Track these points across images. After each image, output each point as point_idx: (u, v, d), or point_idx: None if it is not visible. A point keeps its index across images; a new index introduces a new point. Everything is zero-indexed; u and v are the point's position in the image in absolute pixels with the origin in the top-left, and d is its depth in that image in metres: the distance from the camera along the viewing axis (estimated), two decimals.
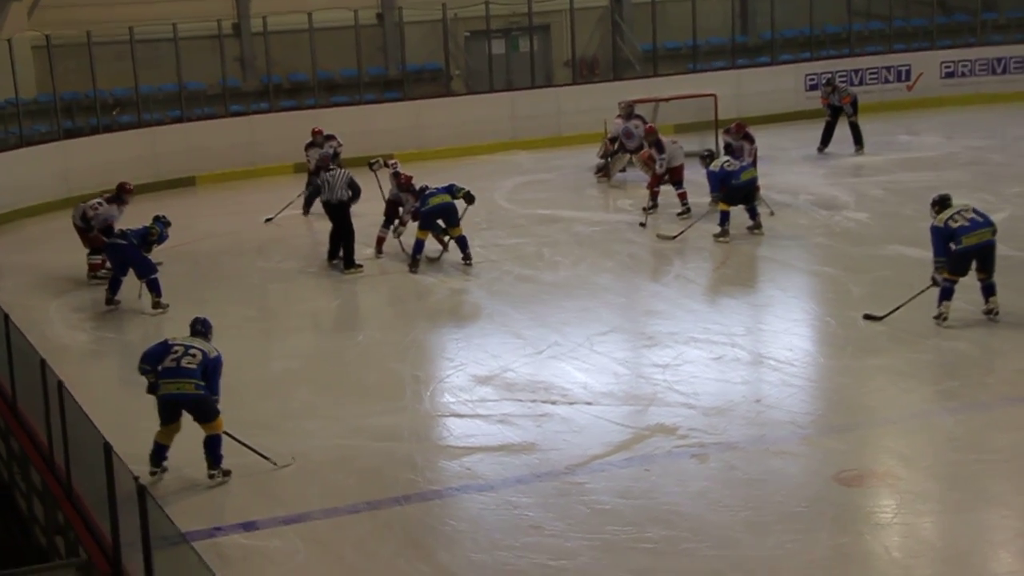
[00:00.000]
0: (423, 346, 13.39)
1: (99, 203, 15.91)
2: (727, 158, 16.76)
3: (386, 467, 9.92)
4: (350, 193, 15.71)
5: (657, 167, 17.53)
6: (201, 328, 10.39)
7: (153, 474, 9.90)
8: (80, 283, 15.87)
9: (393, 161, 17.11)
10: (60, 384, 8.66)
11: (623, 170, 20.08)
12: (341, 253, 15.72)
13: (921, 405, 10.64)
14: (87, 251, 15.95)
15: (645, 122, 19.97)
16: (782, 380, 11.24)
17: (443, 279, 15.18)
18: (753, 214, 16.12)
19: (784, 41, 27.48)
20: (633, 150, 19.62)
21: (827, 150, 21.54)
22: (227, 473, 9.89)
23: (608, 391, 11.23)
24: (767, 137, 23.43)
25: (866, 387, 11.15)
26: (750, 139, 17.96)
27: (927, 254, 14.15)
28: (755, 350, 12.23)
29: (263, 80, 24.66)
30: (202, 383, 9.85)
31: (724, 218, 15.91)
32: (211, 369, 9.96)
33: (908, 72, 26.37)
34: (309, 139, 19.65)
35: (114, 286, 14.86)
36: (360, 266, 15.67)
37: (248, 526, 9.07)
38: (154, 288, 14.64)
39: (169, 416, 9.94)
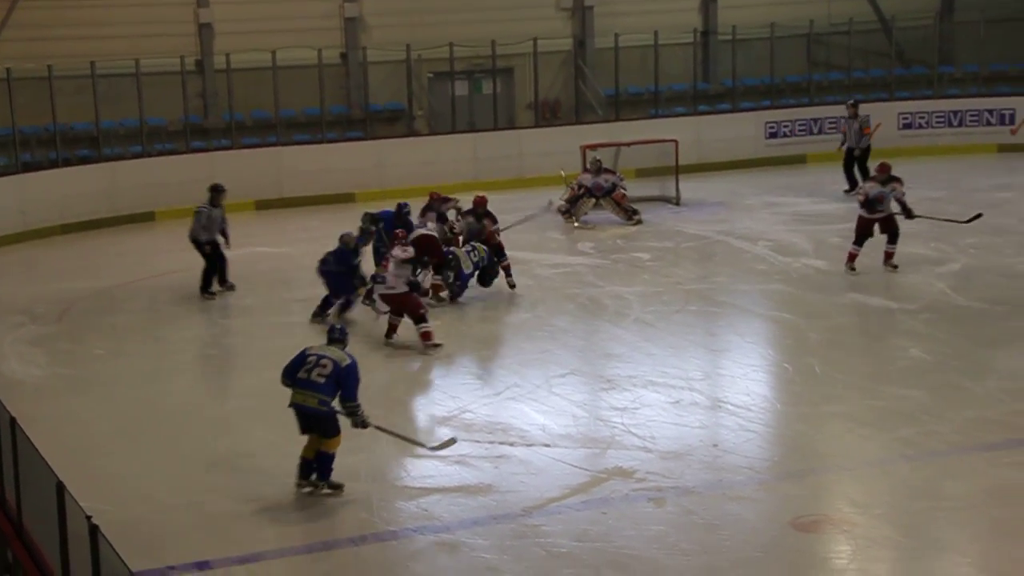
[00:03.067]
0: (381, 386, 13.33)
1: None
2: None
3: (342, 507, 9.87)
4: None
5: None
6: (338, 336, 10.39)
7: (300, 487, 10.03)
8: (36, 317, 15.73)
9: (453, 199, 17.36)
10: (12, 420, 8.56)
11: (585, 214, 20.25)
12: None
13: (876, 452, 10.69)
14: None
15: (615, 173, 20.40)
16: (739, 425, 11.27)
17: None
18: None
19: (745, 89, 27.78)
20: (602, 195, 20.09)
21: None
22: (337, 487, 10.00)
23: (566, 433, 11.22)
24: (727, 183, 23.69)
25: (822, 433, 11.20)
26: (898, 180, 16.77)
27: (885, 302, 14.36)
28: (713, 395, 12.27)
29: (225, 117, 24.64)
30: (327, 399, 9.94)
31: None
32: (343, 377, 9.98)
33: (867, 122, 26.65)
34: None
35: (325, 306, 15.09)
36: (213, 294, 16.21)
37: (202, 565, 8.98)
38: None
39: (303, 427, 10.07)
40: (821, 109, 26.84)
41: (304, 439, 10.13)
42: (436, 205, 17.01)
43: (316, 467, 10.02)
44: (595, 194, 20.22)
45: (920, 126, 26.64)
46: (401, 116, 26.31)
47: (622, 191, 20.28)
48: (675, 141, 22.33)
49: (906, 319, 14.26)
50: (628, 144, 22.67)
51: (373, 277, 14.55)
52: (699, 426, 11.38)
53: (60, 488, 7.36)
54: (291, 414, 10.83)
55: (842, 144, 22.75)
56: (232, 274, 16.91)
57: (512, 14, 26.48)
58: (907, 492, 9.78)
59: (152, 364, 14.28)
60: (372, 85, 25.99)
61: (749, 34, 27.33)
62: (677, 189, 22.00)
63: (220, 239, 16.66)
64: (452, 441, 10.78)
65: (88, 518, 6.84)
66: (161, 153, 23.81)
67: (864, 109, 23.61)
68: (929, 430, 10.92)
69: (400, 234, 14.71)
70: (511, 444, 10.90)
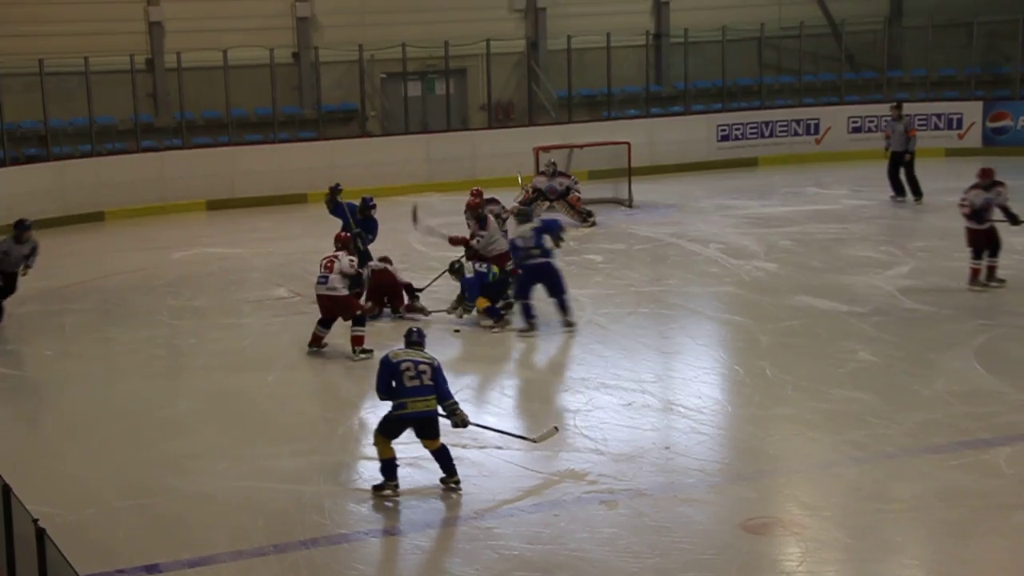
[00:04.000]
0: (334, 388, 13.30)
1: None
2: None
3: (294, 509, 9.81)
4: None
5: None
6: (417, 339, 10.30)
7: (389, 488, 9.94)
8: None
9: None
10: None
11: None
12: None
13: (826, 455, 10.76)
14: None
15: (569, 176, 20.50)
16: (691, 428, 11.31)
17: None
18: None
19: (697, 92, 27.96)
20: (556, 198, 20.15)
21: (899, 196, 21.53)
22: (456, 484, 10.01)
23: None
24: (679, 186, 23.81)
25: (773, 436, 11.27)
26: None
27: (834, 304, 14.45)
28: (665, 397, 12.31)
29: (176, 116, 24.48)
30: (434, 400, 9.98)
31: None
32: (439, 378, 10.01)
33: (817, 126, 26.98)
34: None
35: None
36: None
37: (151, 568, 8.90)
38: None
39: (398, 432, 10.01)
40: (772, 112, 27.08)
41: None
42: (477, 205, 16.44)
43: (443, 465, 9.99)
44: (549, 197, 20.32)
45: (870, 129, 26.89)
46: (354, 116, 26.26)
47: (576, 194, 20.38)
48: (628, 143, 22.43)
49: (855, 322, 14.36)
50: (581, 146, 22.76)
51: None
52: (651, 428, 11.41)
53: (6, 490, 7.27)
54: (246, 415, 10.82)
55: (887, 148, 21.90)
56: (183, 275, 16.77)
57: (465, 15, 26.54)
58: (856, 494, 9.85)
59: (102, 365, 14.17)
60: (324, 85, 25.93)
61: (701, 37, 27.52)
62: (630, 191, 22.09)
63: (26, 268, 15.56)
64: (555, 431, 10.86)
65: (35, 521, 6.76)
66: (111, 152, 23.65)
67: (813, 113, 23.87)
68: (878, 433, 11.00)
69: (343, 236, 14.62)
70: (463, 446, 10.87)
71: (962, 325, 14.05)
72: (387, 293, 15.21)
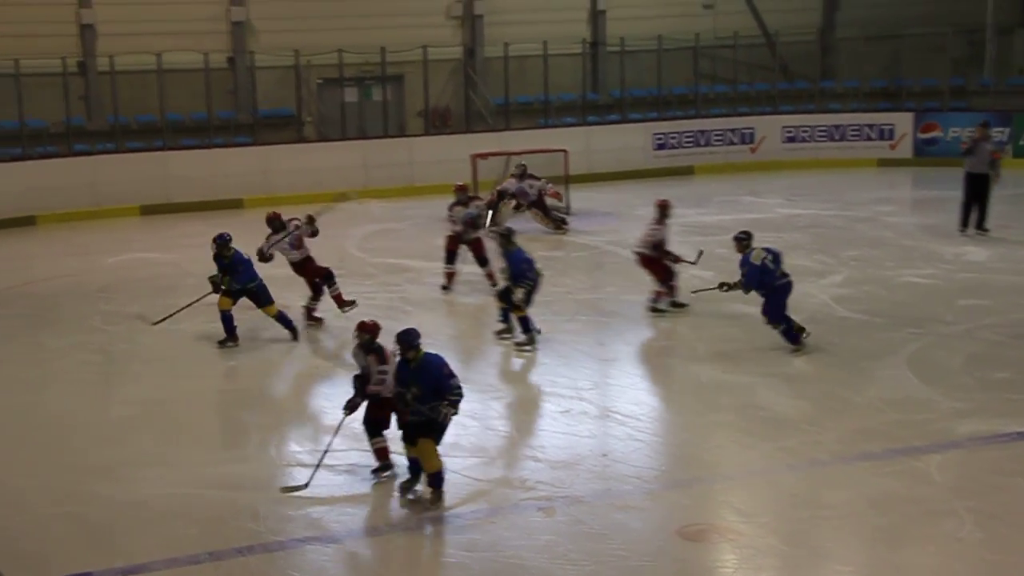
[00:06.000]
0: (269, 394, 13.21)
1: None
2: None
3: (228, 516, 9.73)
4: None
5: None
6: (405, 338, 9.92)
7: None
8: None
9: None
10: None
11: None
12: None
13: (761, 462, 10.85)
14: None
15: (539, 179, 20.51)
16: (628, 435, 11.35)
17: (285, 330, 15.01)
18: None
19: (633, 100, 28.13)
20: (526, 204, 20.37)
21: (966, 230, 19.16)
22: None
23: (455, 443, 11.15)
24: (616, 193, 23.90)
25: (708, 443, 11.33)
26: None
27: None
28: (602, 404, 12.34)
29: (109, 120, 24.23)
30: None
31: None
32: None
33: (752, 135, 27.23)
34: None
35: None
36: None
37: None
38: None
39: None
40: (708, 121, 27.29)
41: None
42: (463, 197, 16.76)
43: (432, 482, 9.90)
44: (520, 201, 20.35)
45: (803, 139, 27.22)
46: (290, 122, 26.14)
47: (554, 189, 20.53)
48: (565, 151, 22.51)
49: None
50: (518, 153, 22.78)
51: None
52: (588, 435, 11.44)
53: None
54: (180, 422, 10.73)
55: (972, 170, 19.13)
56: (116, 280, 16.59)
57: (402, 21, 26.52)
58: (791, 501, 9.94)
59: (31, 371, 13.98)
60: (260, 90, 25.79)
61: (637, 46, 27.69)
62: (567, 198, 22.14)
63: None
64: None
65: None
66: (42, 156, 23.33)
67: (748, 122, 24.04)
68: (812, 440, 11.11)
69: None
70: (400, 453, 10.84)
71: (894, 334, 14.21)
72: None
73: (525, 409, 12.08)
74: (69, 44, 24.45)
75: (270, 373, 13.64)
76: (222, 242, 14.16)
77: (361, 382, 10.31)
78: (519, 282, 13.96)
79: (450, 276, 16.68)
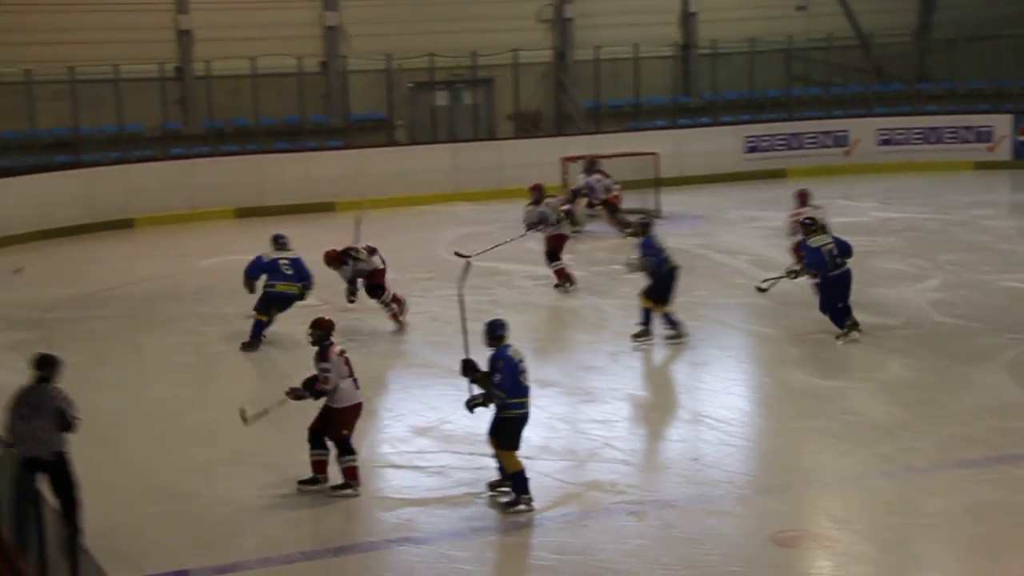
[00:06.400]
0: (366, 396, 13.29)
1: None
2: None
3: (322, 517, 9.83)
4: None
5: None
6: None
7: (524, 503, 9.78)
8: (13, 323, 15.60)
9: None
10: None
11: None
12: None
13: (856, 468, 10.72)
14: None
15: (608, 175, 20.45)
16: (719, 439, 11.28)
17: (382, 329, 15.12)
18: None
19: (725, 103, 27.94)
20: (597, 203, 20.18)
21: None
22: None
23: (546, 446, 11.20)
24: (707, 197, 23.76)
25: (802, 448, 11.22)
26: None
27: (864, 317, 14.36)
28: (693, 408, 12.28)
29: (205, 124, 24.60)
30: None
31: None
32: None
33: (846, 137, 26.91)
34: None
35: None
36: None
37: (180, 574, 8.93)
38: None
39: (520, 436, 9.91)
40: (801, 124, 27.02)
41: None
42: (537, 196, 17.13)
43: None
44: (592, 200, 20.33)
45: (898, 142, 26.84)
46: (381, 125, 26.34)
47: (615, 193, 20.45)
48: (655, 154, 22.42)
49: (885, 335, 14.30)
50: (608, 156, 22.72)
51: None
52: (679, 440, 11.39)
53: (37, 496, 7.32)
54: (275, 423, 10.83)
55: None
56: (211, 282, 16.81)
57: (492, 25, 26.57)
58: (886, 508, 9.80)
59: (131, 372, 14.22)
60: (352, 94, 26.02)
61: (729, 48, 27.48)
62: (658, 202, 22.06)
63: None
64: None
65: (67, 527, 6.80)
66: (140, 159, 23.76)
67: (842, 125, 23.65)
68: (908, 446, 10.95)
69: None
70: (491, 456, 10.87)
71: (992, 339, 13.96)
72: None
73: (616, 412, 12.04)
74: (167, 50, 24.87)
75: (363, 374, 13.71)
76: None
77: (312, 380, 10.37)
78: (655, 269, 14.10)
79: (559, 273, 16.63)
